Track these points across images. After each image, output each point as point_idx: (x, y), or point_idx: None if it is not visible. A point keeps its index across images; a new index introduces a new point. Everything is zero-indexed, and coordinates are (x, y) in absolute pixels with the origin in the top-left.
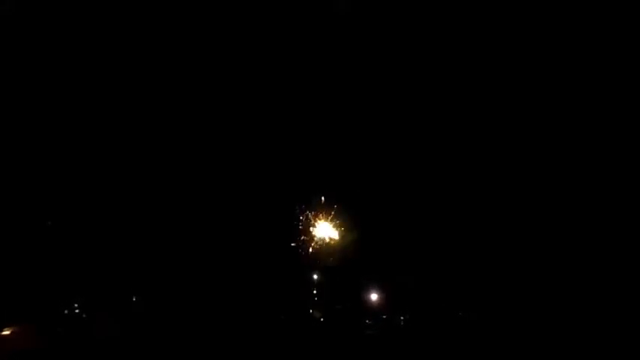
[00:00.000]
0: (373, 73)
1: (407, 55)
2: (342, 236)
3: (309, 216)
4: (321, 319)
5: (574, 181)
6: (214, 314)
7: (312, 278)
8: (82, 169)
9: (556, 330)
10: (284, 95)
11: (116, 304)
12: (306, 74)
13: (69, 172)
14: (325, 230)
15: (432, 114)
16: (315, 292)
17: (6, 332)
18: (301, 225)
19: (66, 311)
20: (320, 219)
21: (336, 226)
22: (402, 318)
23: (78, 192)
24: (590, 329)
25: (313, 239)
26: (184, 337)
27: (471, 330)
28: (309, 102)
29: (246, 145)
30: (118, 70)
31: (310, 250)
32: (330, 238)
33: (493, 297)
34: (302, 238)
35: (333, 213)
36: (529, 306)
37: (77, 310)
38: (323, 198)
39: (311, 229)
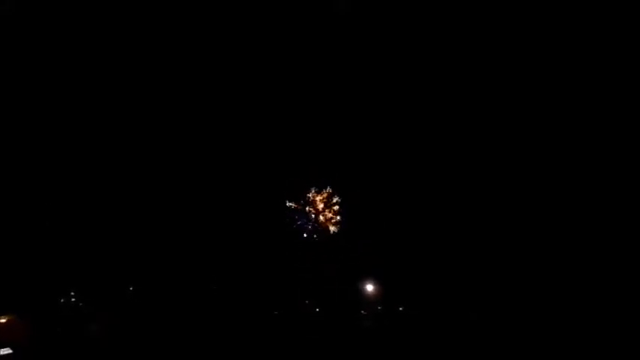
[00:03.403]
0: (373, 72)
1: (407, 54)
2: (341, 226)
3: (311, 202)
4: (317, 310)
5: (574, 181)
6: (211, 306)
7: (309, 269)
8: (82, 166)
9: (556, 330)
10: (284, 94)
11: (113, 295)
12: (306, 73)
13: (68, 166)
14: (325, 218)
15: (433, 113)
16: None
17: (2, 320)
18: (299, 213)
19: (62, 300)
20: (321, 207)
21: (335, 216)
22: (400, 309)
23: (76, 183)
24: (591, 329)
25: (313, 226)
26: (181, 332)
27: (471, 329)
28: (309, 100)
29: (247, 140)
30: (117, 70)
31: (308, 236)
32: (329, 225)
33: (493, 297)
34: (300, 225)
35: (334, 202)
36: (529, 306)
37: (73, 299)
38: (330, 189)
39: (312, 215)
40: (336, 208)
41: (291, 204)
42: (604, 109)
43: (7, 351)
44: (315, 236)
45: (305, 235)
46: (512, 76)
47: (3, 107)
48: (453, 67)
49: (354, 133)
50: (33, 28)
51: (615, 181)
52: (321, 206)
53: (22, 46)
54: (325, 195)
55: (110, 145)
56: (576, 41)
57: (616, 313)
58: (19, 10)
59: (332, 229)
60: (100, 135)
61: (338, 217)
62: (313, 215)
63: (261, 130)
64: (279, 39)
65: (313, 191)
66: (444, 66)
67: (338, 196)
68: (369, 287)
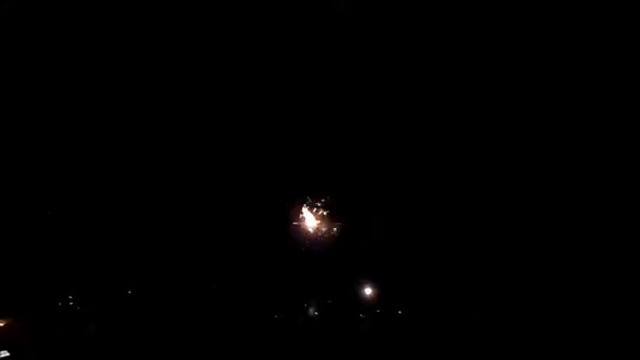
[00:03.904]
0: (373, 72)
1: (407, 55)
2: (337, 225)
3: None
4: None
5: (574, 181)
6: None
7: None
8: (81, 166)
9: (556, 330)
10: (284, 94)
11: (111, 297)
12: (306, 73)
13: (68, 166)
14: (320, 218)
15: (433, 113)
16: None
17: None
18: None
19: (60, 303)
20: (318, 207)
21: (335, 221)
22: (399, 312)
23: (75, 183)
24: (591, 329)
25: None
26: (181, 332)
27: (471, 330)
28: (309, 101)
29: (247, 139)
30: (118, 70)
31: (305, 238)
32: (329, 227)
33: (493, 297)
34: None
35: (335, 205)
36: (529, 306)
37: (71, 303)
38: (331, 191)
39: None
40: (337, 210)
41: (291, 205)
42: (604, 109)
43: (4, 354)
44: (314, 236)
45: (304, 239)
46: (512, 76)
47: (3, 107)
48: (453, 67)
49: (354, 133)
50: (33, 28)
51: (615, 182)
52: (322, 211)
53: (22, 46)
54: (326, 197)
55: (110, 144)
56: (576, 41)
57: (616, 313)
58: (19, 10)
59: (332, 230)
60: (99, 135)
61: (339, 222)
62: (313, 216)
63: (261, 130)
64: (279, 39)
65: (314, 194)
66: (444, 66)
67: (339, 196)
68: (369, 288)
